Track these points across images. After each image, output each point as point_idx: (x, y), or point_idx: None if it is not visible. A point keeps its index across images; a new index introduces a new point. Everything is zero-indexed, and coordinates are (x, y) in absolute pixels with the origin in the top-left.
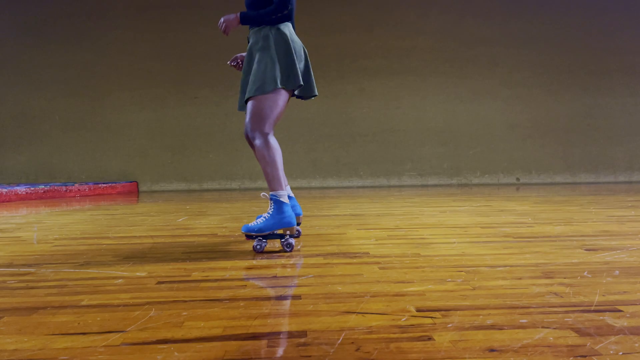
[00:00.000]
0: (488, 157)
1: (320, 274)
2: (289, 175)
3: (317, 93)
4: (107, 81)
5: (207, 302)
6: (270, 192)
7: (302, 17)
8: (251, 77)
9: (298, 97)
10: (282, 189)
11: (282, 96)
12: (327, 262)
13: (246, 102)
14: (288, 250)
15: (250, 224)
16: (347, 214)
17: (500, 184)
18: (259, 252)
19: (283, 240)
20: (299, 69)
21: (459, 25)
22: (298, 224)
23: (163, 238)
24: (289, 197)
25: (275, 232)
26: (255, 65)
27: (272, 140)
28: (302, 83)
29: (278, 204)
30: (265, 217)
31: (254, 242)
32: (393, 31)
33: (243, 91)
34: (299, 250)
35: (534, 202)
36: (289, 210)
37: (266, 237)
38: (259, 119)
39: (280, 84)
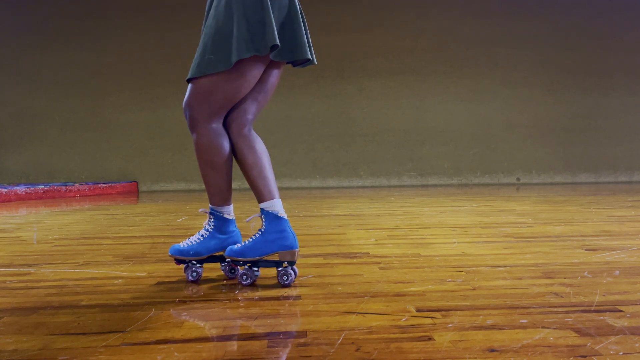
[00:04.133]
0: (488, 157)
1: (320, 274)
2: (289, 175)
3: (309, 56)
4: (107, 81)
5: (207, 302)
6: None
7: None
8: (200, 46)
9: (288, 62)
10: (272, 196)
11: (256, 68)
12: (327, 262)
13: (188, 81)
14: (285, 282)
15: (235, 247)
16: (347, 214)
17: (500, 184)
18: (246, 285)
19: (280, 269)
20: (274, 23)
21: (459, 25)
22: (290, 264)
23: (163, 238)
24: (280, 219)
25: (267, 257)
26: (206, 30)
27: (221, 132)
28: (277, 42)
29: (270, 218)
30: (253, 238)
31: (241, 271)
32: (393, 31)
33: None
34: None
35: (534, 202)
36: (286, 227)
37: (255, 264)
38: (205, 104)
39: (250, 51)
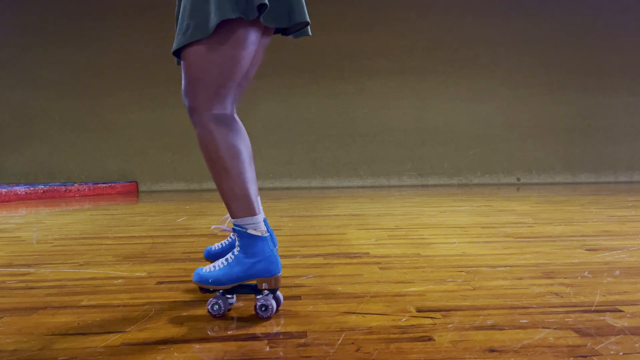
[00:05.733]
0: (488, 157)
1: (320, 274)
2: (289, 175)
3: (308, 18)
4: (107, 81)
5: (207, 302)
6: (233, 220)
7: None
8: (181, 11)
9: (279, 31)
10: (255, 213)
11: (250, 35)
12: (327, 262)
13: (175, 54)
14: (263, 315)
15: (204, 269)
16: (347, 214)
17: (500, 184)
18: (217, 316)
19: (259, 297)
20: None
21: (459, 25)
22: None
23: (163, 238)
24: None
25: (243, 283)
26: None
27: (229, 123)
28: (265, 1)
29: (248, 239)
30: (228, 260)
31: (211, 300)
32: (393, 31)
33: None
34: (295, 257)
35: (534, 202)
36: (267, 249)
37: (230, 291)
38: (200, 85)
39: (235, 12)
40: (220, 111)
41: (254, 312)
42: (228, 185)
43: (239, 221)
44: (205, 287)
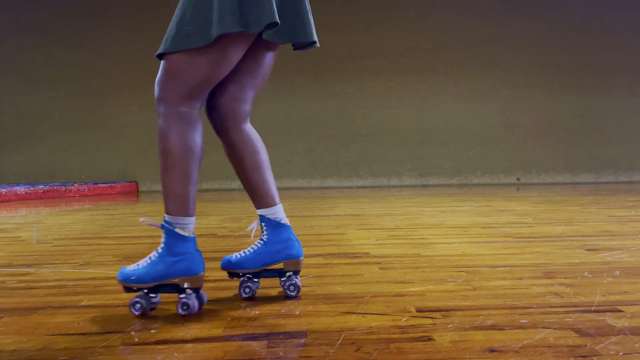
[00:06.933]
0: (488, 157)
1: (320, 274)
2: (289, 175)
3: (315, 38)
4: (107, 81)
5: (207, 302)
6: (165, 216)
7: None
8: (177, 15)
9: (283, 42)
10: (188, 214)
11: (239, 47)
12: (327, 262)
13: (159, 57)
14: (184, 313)
15: (128, 268)
16: (347, 214)
17: (500, 184)
18: (138, 314)
19: (182, 296)
20: None
21: (459, 25)
22: (295, 273)
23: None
24: (283, 227)
25: (166, 282)
26: None
27: (192, 121)
28: (276, 20)
29: (174, 238)
30: (151, 259)
31: (134, 298)
32: (393, 31)
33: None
34: None
35: (534, 202)
36: (190, 249)
37: (153, 290)
38: (176, 81)
39: (237, 27)
40: (187, 108)
41: (253, 313)
42: (172, 181)
43: (171, 219)
44: (128, 286)
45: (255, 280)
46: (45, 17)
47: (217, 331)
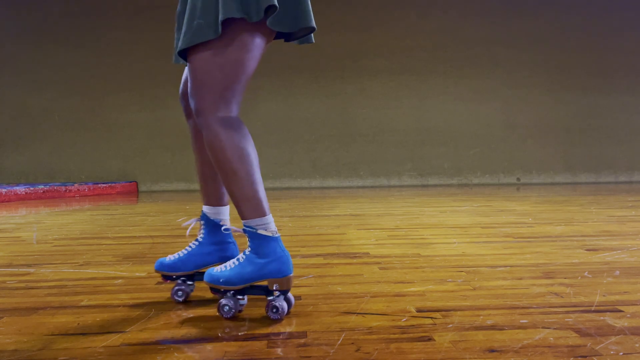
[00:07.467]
0: (488, 157)
1: (320, 274)
2: (289, 175)
3: (314, 24)
4: (107, 81)
5: (207, 302)
6: (243, 222)
7: None
8: (187, 10)
9: (282, 36)
10: (265, 214)
11: (256, 38)
12: (327, 262)
13: (181, 55)
14: (274, 317)
15: (216, 269)
16: (347, 214)
17: (500, 184)
18: (228, 317)
19: (270, 298)
20: None
21: (459, 25)
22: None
23: (163, 238)
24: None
25: (254, 284)
26: None
27: (236, 125)
28: (274, 2)
29: (259, 240)
30: (239, 260)
31: (222, 301)
32: (393, 31)
33: (179, 29)
34: (295, 257)
35: (534, 202)
36: (279, 250)
37: (240, 292)
38: (205, 88)
39: (240, 12)
40: (226, 114)
41: (254, 313)
42: (237, 187)
43: (250, 222)
44: (216, 287)
45: (190, 283)
46: (45, 17)
47: (217, 331)
